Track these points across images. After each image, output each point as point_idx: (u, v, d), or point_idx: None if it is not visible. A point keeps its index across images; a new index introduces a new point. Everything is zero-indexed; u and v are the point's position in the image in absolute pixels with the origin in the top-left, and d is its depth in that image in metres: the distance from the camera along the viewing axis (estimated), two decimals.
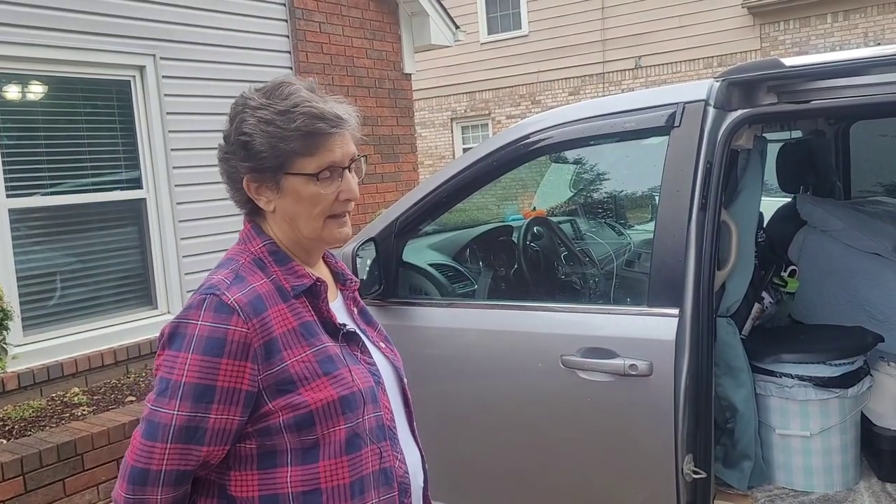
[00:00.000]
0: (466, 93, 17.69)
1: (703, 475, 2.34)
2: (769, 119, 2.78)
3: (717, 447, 2.72)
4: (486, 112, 17.57)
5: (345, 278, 1.56)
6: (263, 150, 1.34)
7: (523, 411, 2.60)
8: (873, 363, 3.03)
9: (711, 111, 2.43)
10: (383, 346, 1.55)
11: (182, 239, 5.69)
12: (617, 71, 15.93)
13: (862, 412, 2.93)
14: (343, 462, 1.34)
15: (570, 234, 3.81)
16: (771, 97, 2.42)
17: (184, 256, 5.69)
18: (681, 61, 15.12)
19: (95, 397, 4.78)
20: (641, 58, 15.55)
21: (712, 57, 14.76)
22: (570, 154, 3.47)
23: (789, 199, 3.89)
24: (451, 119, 18.06)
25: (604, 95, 13.70)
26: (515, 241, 3.44)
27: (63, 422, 4.31)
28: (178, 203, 5.67)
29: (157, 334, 1.36)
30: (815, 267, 3.38)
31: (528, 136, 2.76)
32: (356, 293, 1.59)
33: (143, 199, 5.54)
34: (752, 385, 2.79)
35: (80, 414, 4.43)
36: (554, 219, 3.85)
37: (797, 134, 4.03)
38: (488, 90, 17.43)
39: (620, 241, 3.69)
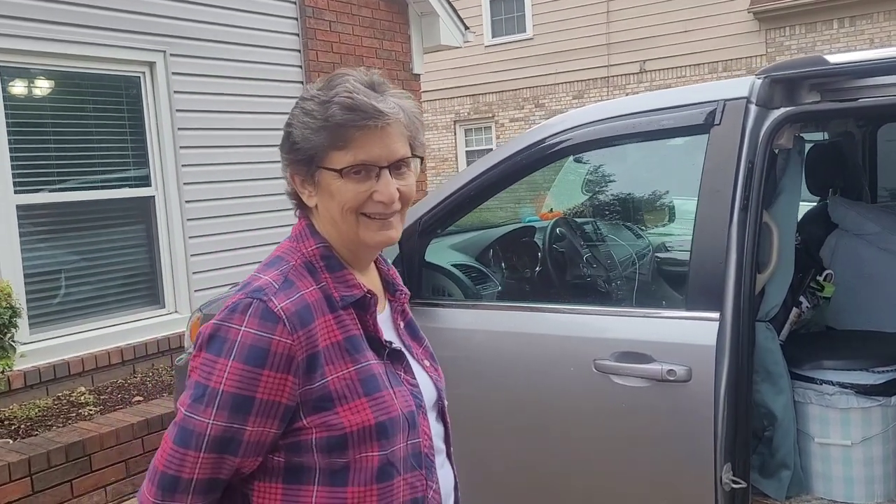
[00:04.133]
0: (470, 95, 17.66)
1: (743, 485, 2.26)
2: (812, 118, 2.71)
3: (754, 456, 2.64)
4: (490, 115, 17.53)
5: (395, 288, 1.46)
6: (298, 142, 1.28)
7: (554, 416, 2.51)
8: None
9: (753, 109, 2.35)
10: (427, 364, 1.46)
11: (190, 238, 5.61)
12: (621, 75, 15.90)
13: None
14: (372, 490, 1.26)
15: (598, 235, 3.72)
16: (814, 95, 2.35)
17: (192, 255, 5.61)
18: (686, 66, 15.10)
19: (102, 397, 4.70)
20: (646, 62, 15.53)
21: (717, 62, 14.75)
22: (602, 153, 3.38)
23: (814, 203, 3.82)
24: (455, 121, 18.02)
25: (608, 99, 13.65)
26: (540, 243, 3.36)
27: (70, 421, 4.22)
28: (186, 201, 5.58)
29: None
30: (848, 271, 3.31)
31: (554, 136, 2.68)
32: (405, 305, 1.48)
33: (152, 197, 5.46)
34: (791, 392, 2.71)
35: (86, 414, 4.34)
36: (580, 219, 3.77)
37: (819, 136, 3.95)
38: (492, 93, 17.40)
39: (655, 242, 3.61)
